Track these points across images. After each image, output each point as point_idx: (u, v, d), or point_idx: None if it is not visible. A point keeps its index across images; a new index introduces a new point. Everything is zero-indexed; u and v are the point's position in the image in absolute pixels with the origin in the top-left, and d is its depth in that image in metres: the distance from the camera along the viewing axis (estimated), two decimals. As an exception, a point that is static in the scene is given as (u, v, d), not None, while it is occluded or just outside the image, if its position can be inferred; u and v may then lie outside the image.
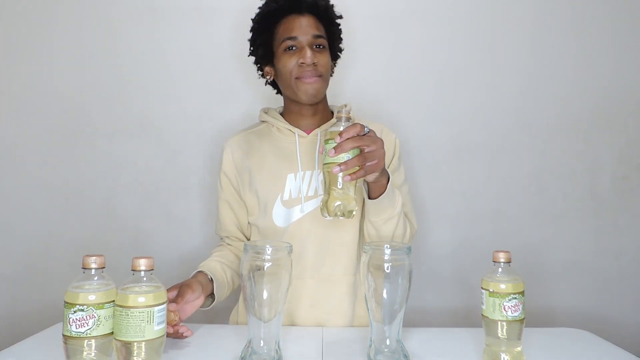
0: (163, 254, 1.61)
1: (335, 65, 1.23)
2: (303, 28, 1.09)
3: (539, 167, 1.67)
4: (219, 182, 1.22)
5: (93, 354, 0.72)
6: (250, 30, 1.18)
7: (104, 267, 0.76)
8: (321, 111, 1.19)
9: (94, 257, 0.75)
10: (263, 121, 1.23)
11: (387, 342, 0.82)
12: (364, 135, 0.88)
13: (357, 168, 0.86)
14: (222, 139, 1.60)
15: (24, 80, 1.63)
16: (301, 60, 1.08)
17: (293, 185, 1.12)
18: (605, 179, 1.68)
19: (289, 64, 1.09)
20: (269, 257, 0.79)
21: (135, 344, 0.71)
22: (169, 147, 1.63)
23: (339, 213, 0.89)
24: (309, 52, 1.08)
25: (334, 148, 0.86)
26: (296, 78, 1.10)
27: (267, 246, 0.80)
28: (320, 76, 1.10)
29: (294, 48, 1.09)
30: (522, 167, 1.67)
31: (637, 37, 1.68)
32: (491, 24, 1.66)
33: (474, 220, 1.67)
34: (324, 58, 1.11)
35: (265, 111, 1.22)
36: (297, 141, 1.15)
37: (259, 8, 1.16)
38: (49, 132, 1.62)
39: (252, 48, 1.19)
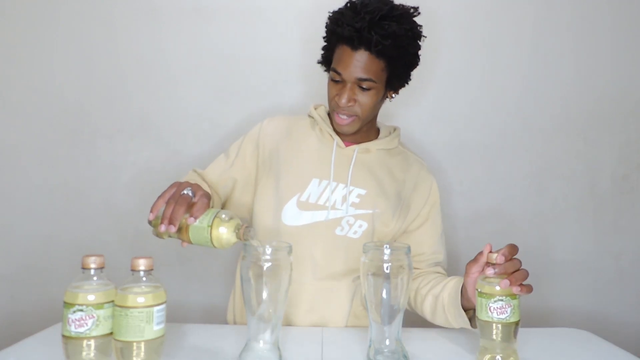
0: (163, 254, 1.60)
1: (393, 94, 1.13)
2: (350, 68, 1.01)
3: (539, 167, 1.67)
4: (236, 147, 1.17)
5: (92, 354, 0.72)
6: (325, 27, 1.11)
7: (103, 267, 0.76)
8: (365, 130, 1.14)
9: (94, 257, 0.75)
10: (310, 116, 1.19)
11: (387, 342, 0.82)
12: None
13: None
14: (222, 139, 1.61)
15: (24, 80, 1.62)
16: (336, 98, 1.05)
17: (314, 190, 1.09)
18: (605, 179, 1.68)
19: (330, 93, 1.08)
20: (268, 258, 0.79)
21: (134, 344, 0.71)
22: (169, 147, 1.63)
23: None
24: (345, 95, 1.03)
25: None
26: (332, 109, 1.08)
27: (267, 246, 0.80)
28: (355, 116, 1.06)
29: (339, 81, 1.05)
30: (522, 167, 1.66)
31: (637, 36, 1.67)
32: (491, 24, 1.66)
33: (474, 220, 1.66)
34: (366, 98, 1.04)
35: (316, 107, 1.19)
36: (334, 149, 1.12)
37: (330, 14, 1.08)
38: (49, 132, 1.62)
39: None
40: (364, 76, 1.02)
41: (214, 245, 0.81)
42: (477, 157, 1.66)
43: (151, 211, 0.85)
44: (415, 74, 1.64)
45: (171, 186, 0.87)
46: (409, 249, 0.83)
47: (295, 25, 1.63)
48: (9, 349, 0.88)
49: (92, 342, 0.72)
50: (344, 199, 1.09)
